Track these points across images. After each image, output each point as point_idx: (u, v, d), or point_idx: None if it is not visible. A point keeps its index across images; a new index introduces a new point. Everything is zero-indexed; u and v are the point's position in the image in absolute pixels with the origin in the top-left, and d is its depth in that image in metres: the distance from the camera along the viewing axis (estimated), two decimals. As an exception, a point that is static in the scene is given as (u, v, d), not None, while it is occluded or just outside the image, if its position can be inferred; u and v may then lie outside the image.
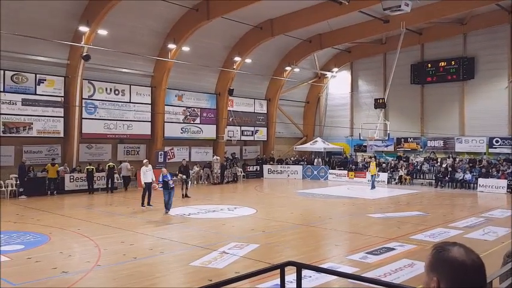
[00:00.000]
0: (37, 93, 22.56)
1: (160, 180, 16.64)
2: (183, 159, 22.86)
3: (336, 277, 8.12)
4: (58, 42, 22.02)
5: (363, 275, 6.86)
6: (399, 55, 27.02)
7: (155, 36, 25.67)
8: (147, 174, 17.76)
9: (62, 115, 23.43)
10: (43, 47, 22.04)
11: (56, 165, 22.41)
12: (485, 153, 27.83)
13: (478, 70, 28.44)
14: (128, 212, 17.08)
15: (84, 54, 22.41)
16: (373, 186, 25.22)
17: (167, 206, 16.53)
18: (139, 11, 23.39)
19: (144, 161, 19.03)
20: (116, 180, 24.52)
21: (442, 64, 29.70)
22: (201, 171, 28.51)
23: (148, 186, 17.57)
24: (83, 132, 24.30)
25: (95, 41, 22.54)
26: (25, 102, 22.20)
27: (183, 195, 20.47)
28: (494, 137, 27.48)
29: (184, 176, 20.94)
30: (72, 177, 22.86)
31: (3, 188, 20.97)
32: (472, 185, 25.22)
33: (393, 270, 8.87)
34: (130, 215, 16.33)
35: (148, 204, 17.61)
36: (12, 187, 21.22)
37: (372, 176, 25.65)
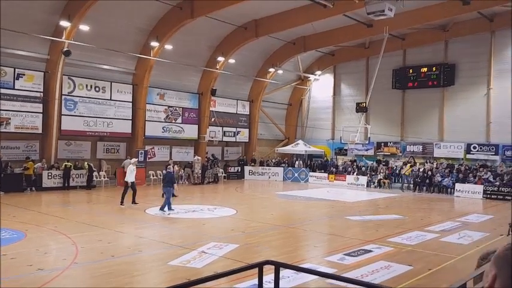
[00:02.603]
0: (15, 87, 22.17)
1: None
2: (169, 160, 22.57)
3: (313, 278, 8.17)
4: (38, 37, 21.72)
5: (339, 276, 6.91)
6: (382, 60, 27.30)
7: (138, 34, 25.46)
8: (133, 173, 17.63)
9: (41, 111, 23.09)
10: (23, 41, 21.67)
11: (31, 162, 21.95)
12: (462, 159, 28.27)
13: (459, 77, 28.90)
14: (107, 210, 16.92)
15: (65, 49, 22.14)
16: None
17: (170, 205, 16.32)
18: (122, 7, 23.13)
19: (133, 160, 18.91)
20: (94, 179, 24.26)
21: (424, 70, 30.10)
22: (182, 171, 28.36)
23: (132, 185, 17.44)
24: (62, 128, 23.96)
25: (76, 37, 22.27)
26: (3, 97, 21.80)
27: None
28: (472, 143, 27.94)
29: None
30: (50, 174, 22.53)
31: (-21, 184, 20.56)
32: (449, 189, 25.59)
33: (370, 272, 8.95)
34: (109, 213, 16.17)
35: (134, 202, 17.50)
36: (-12, 183, 20.81)
37: (403, 176, 27.32)
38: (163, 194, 16.98)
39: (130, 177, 17.50)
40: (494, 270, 1.43)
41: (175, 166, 27.76)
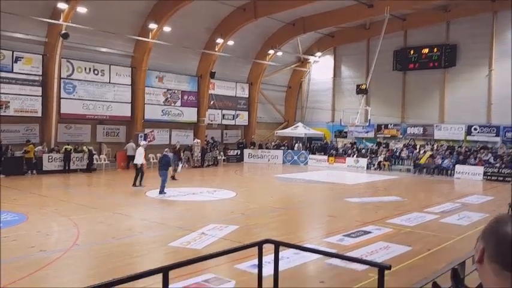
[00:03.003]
0: (14, 71, 22.08)
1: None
2: (177, 142, 23.95)
3: (313, 258, 8.23)
4: (36, 19, 21.54)
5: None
6: (382, 41, 27.10)
7: (136, 16, 25.23)
8: (142, 156, 17.84)
9: (40, 94, 23.02)
10: (20, 24, 21.50)
11: (31, 145, 21.97)
12: (463, 141, 28.27)
13: (460, 58, 28.71)
14: (107, 192, 16.99)
15: (63, 32, 21.98)
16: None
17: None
18: (121, -10, 22.92)
19: (142, 143, 19.16)
20: (95, 162, 24.30)
21: (425, 51, 29.90)
22: (182, 154, 28.34)
23: (140, 167, 17.80)
24: (61, 112, 23.91)
25: (74, 19, 22.08)
26: (2, 80, 21.70)
27: (172, 177, 20.19)
28: (473, 125, 27.91)
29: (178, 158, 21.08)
30: (50, 157, 22.55)
31: (-21, 167, 20.60)
32: (449, 171, 25.62)
33: (369, 252, 9.02)
34: (110, 195, 16.23)
35: (140, 184, 17.77)
36: (-12, 166, 20.85)
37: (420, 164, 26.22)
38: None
39: (139, 159, 17.76)
40: (482, 243, 1.44)
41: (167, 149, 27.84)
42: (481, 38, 27.60)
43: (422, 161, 26.60)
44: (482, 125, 27.66)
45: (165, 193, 16.11)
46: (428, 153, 26.52)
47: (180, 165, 21.46)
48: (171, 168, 18.13)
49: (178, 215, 13.11)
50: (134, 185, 17.68)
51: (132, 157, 24.17)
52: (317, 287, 7.17)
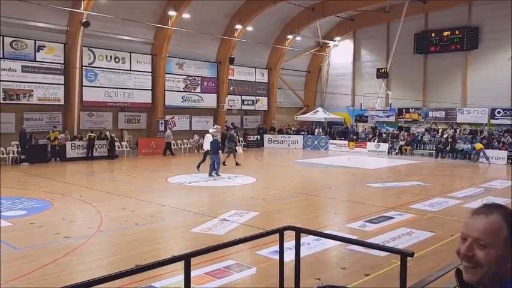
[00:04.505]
0: (37, 60, 22.40)
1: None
2: (232, 123, 26.31)
3: (334, 244, 8.23)
4: (57, 8, 21.72)
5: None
6: (403, 24, 26.69)
7: (155, 3, 25.29)
8: (209, 142, 18.41)
9: (63, 82, 23.32)
10: (42, 13, 21.76)
11: (56, 132, 22.38)
12: (486, 124, 27.77)
13: (482, 40, 28.07)
14: (129, 179, 17.20)
15: (84, 20, 22.16)
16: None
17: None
18: (139, -23, 22.95)
19: (211, 130, 19.75)
20: (117, 148, 24.59)
21: (446, 33, 29.32)
22: (201, 139, 28.46)
23: (205, 153, 18.78)
24: (83, 100, 24.24)
25: (94, 7, 22.22)
26: (25, 69, 22.07)
27: (236, 163, 21.16)
28: (496, 108, 27.36)
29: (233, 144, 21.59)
30: (73, 144, 22.91)
31: (5, 155, 21.05)
32: (472, 155, 25.22)
33: (391, 238, 8.97)
34: (132, 182, 16.44)
35: (198, 168, 18.65)
36: (13, 154, 21.30)
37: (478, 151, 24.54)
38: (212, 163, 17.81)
39: (207, 145, 18.48)
40: (504, 229, 1.41)
41: (196, 135, 28.00)
42: (503, 20, 26.82)
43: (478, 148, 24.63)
44: (506, 108, 27.10)
45: (219, 175, 17.45)
46: (479, 145, 24.71)
47: (239, 147, 21.90)
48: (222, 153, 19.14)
49: (199, 200, 13.23)
50: (198, 168, 18.67)
51: (169, 144, 25.91)
52: (339, 273, 7.18)
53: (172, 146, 26.51)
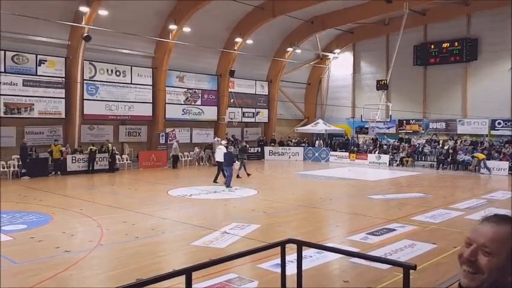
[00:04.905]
0: (38, 74, 22.51)
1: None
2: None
3: (336, 257, 8.17)
4: (58, 23, 21.87)
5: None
6: (402, 36, 26.78)
7: (156, 17, 25.48)
8: (221, 154, 18.59)
9: (63, 96, 23.41)
10: (43, 28, 21.90)
11: (59, 145, 22.44)
12: (487, 135, 27.76)
13: (482, 51, 28.20)
14: (130, 192, 17.16)
15: (85, 34, 22.30)
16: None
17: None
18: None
19: (223, 142, 20.33)
20: (117, 161, 24.58)
21: (445, 45, 29.47)
22: (202, 152, 28.51)
23: (219, 165, 18.88)
24: (84, 113, 24.31)
25: (95, 22, 22.37)
26: (26, 83, 22.17)
27: (247, 174, 21.36)
28: (497, 119, 27.39)
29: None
30: (74, 158, 22.90)
31: (6, 169, 21.04)
32: (472, 166, 25.15)
33: (394, 251, 8.91)
34: (132, 195, 16.40)
35: (215, 181, 18.75)
36: (14, 168, 21.30)
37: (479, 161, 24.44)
38: (224, 174, 18.25)
39: (219, 157, 18.69)
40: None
41: (196, 148, 28.02)
42: (502, 31, 26.97)
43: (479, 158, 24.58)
44: (506, 119, 27.12)
45: (231, 187, 17.55)
46: (481, 155, 24.67)
47: (238, 163, 21.67)
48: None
49: (200, 213, 13.17)
50: (215, 181, 18.78)
51: (176, 156, 26.04)
52: (341, 286, 7.13)
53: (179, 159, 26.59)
